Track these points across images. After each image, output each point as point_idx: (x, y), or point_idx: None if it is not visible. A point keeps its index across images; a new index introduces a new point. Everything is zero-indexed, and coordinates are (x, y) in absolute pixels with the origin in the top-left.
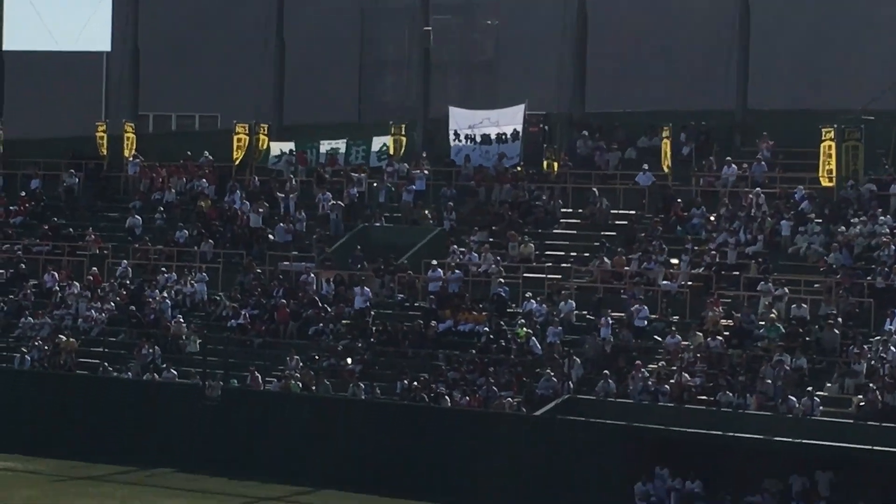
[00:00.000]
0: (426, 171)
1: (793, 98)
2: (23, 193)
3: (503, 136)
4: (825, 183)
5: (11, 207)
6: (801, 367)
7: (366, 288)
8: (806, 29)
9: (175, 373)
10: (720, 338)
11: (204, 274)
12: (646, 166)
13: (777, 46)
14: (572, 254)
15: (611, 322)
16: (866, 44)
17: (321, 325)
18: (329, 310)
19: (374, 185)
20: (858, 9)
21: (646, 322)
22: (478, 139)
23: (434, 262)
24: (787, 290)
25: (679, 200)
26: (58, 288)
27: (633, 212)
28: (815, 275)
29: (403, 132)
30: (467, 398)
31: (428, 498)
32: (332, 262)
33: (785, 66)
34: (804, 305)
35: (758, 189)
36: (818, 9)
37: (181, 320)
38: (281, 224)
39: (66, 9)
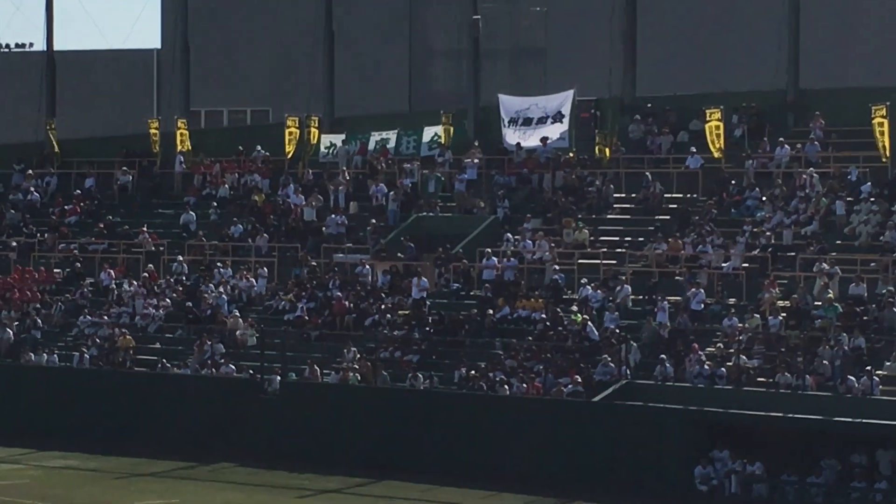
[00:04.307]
0: (477, 160)
1: (844, 76)
2: (77, 192)
3: (544, 119)
4: (884, 159)
5: (66, 207)
6: (859, 346)
7: (423, 279)
8: (854, 5)
9: (233, 368)
10: (779, 318)
11: (264, 269)
12: (693, 149)
13: (826, 25)
14: (627, 239)
15: (667, 306)
16: None
17: (377, 316)
18: (385, 300)
19: (426, 173)
20: None
21: (702, 305)
22: (521, 124)
23: (488, 250)
24: (838, 269)
25: (733, 182)
26: (114, 286)
27: (686, 195)
28: (872, 253)
29: (454, 121)
30: (525, 385)
31: (488, 486)
32: (387, 252)
33: (835, 44)
34: (861, 284)
35: (811, 169)
36: None
37: (238, 315)
38: (334, 216)
39: (116, 7)
